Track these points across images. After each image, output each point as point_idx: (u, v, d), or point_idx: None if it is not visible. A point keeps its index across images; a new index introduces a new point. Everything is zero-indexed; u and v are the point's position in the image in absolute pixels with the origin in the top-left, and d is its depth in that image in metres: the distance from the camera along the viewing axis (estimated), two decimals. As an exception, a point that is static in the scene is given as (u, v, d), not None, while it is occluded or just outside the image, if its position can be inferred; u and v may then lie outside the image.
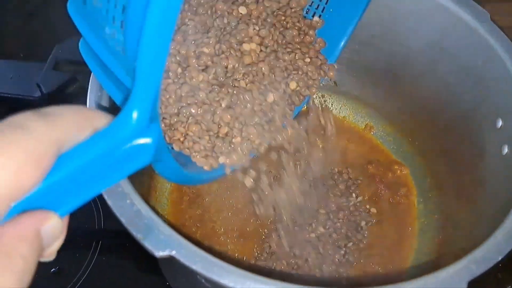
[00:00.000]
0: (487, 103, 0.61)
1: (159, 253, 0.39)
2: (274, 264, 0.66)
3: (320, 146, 0.79)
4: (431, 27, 0.65)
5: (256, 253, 0.68)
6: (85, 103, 0.49)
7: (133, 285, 0.69)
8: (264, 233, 0.70)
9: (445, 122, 0.69)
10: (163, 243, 0.39)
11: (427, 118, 0.73)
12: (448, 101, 0.67)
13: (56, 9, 0.74)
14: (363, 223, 0.71)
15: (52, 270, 0.69)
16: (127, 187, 0.43)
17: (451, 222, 0.67)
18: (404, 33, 0.68)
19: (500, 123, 0.58)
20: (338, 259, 0.68)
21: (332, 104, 0.84)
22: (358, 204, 0.73)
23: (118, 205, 0.41)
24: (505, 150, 0.56)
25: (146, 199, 0.47)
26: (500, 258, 0.44)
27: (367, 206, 0.73)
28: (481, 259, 0.43)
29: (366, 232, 0.71)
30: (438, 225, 0.70)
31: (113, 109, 0.49)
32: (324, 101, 0.85)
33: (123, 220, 0.40)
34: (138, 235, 0.39)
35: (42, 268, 0.27)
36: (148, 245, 0.39)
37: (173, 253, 0.39)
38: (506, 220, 0.46)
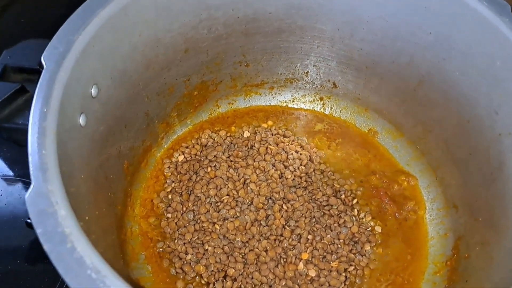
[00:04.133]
0: (506, 109, 0.52)
1: (103, 313, 0.31)
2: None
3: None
4: (439, 21, 0.56)
5: None
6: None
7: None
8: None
9: (457, 129, 0.60)
10: (108, 300, 0.32)
11: (436, 123, 0.64)
12: (460, 105, 0.59)
13: (6, 11, 0.66)
14: (366, 245, 0.63)
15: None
16: (69, 224, 0.35)
17: (465, 244, 0.59)
18: (409, 28, 0.59)
19: (523, 134, 0.50)
20: (338, 287, 0.60)
21: (331, 107, 0.76)
22: (360, 221, 0.65)
23: (55, 251, 0.33)
24: (529, 165, 0.48)
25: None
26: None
27: (371, 224, 0.65)
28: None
29: (370, 254, 0.63)
30: (450, 245, 0.62)
31: (59, 130, 0.42)
32: (323, 104, 0.76)
33: (59, 269, 0.33)
34: (77, 290, 0.32)
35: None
36: (89, 303, 0.32)
37: (120, 313, 0.31)
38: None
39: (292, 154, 0.71)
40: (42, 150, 0.39)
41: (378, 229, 0.65)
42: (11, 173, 0.71)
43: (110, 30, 0.51)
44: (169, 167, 0.70)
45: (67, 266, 0.33)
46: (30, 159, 0.39)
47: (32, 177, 0.37)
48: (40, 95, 0.42)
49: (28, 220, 0.65)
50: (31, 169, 0.38)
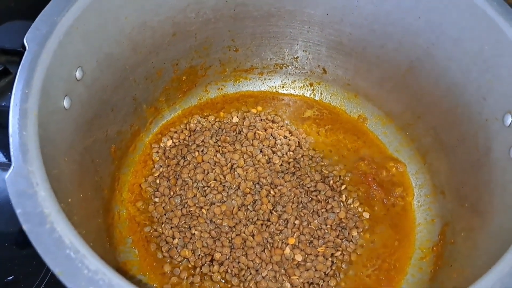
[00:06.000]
0: (495, 95, 0.52)
1: (80, 293, 0.31)
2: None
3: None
4: (429, 5, 0.56)
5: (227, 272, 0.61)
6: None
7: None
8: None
9: (446, 115, 0.60)
10: (85, 280, 0.32)
11: (425, 109, 0.64)
12: (449, 91, 0.58)
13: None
14: (354, 231, 0.63)
15: (7, 279, 0.62)
16: (49, 205, 0.35)
17: (451, 230, 0.59)
18: (399, 12, 0.59)
19: (509, 120, 0.49)
20: (324, 272, 0.60)
21: (321, 93, 0.76)
22: (348, 207, 0.66)
23: (34, 231, 0.33)
24: (515, 152, 0.48)
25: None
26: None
27: (359, 209, 0.66)
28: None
29: (357, 240, 0.63)
30: (437, 231, 0.62)
31: (42, 112, 0.41)
32: (313, 90, 0.76)
33: (38, 249, 0.32)
34: (55, 269, 0.32)
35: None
36: (66, 281, 0.31)
37: (97, 292, 0.31)
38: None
39: (280, 139, 0.70)
40: (23, 132, 0.39)
41: (366, 215, 0.65)
42: (5, 159, 0.71)
43: (94, 12, 0.51)
44: (157, 152, 0.70)
45: (46, 246, 0.33)
46: (10, 140, 0.38)
47: (12, 158, 0.37)
48: (22, 76, 0.42)
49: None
50: (11, 150, 0.38)
